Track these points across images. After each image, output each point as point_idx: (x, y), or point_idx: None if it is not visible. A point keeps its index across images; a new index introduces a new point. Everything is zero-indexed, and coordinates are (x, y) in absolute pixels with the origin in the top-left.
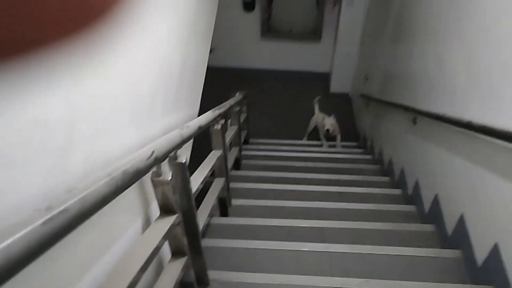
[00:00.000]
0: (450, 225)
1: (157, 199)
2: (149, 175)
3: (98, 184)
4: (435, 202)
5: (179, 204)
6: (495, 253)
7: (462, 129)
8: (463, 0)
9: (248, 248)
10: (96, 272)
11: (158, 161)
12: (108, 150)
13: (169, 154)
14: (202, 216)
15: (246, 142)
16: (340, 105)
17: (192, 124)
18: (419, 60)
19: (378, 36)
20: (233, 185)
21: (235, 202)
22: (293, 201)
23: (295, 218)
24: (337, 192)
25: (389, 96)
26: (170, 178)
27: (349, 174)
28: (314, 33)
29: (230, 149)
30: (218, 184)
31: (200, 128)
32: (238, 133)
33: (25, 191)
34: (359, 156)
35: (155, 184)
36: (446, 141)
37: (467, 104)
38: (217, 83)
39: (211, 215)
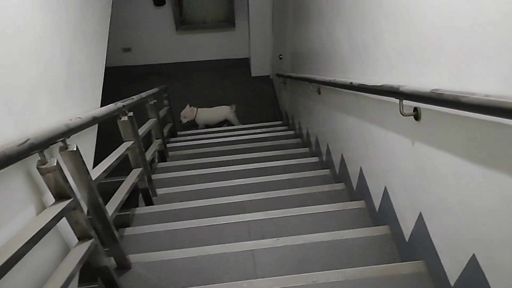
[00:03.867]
0: (354, 180)
1: (48, 186)
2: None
3: None
4: (342, 162)
5: (77, 190)
6: (386, 196)
7: (349, 91)
8: None
9: (169, 230)
10: None
11: (35, 148)
12: None
13: (52, 142)
14: (113, 204)
15: (173, 135)
16: (263, 87)
17: (84, 115)
18: (317, 37)
19: (284, 17)
20: (159, 176)
21: (161, 191)
22: (217, 182)
23: (219, 197)
24: (259, 168)
25: (298, 71)
26: (55, 164)
27: (272, 150)
28: (227, 21)
29: (152, 142)
30: (133, 174)
31: (95, 119)
32: (158, 126)
33: None
34: (283, 133)
35: (42, 172)
36: (342, 105)
37: (352, 69)
38: (140, 81)
39: (135, 205)
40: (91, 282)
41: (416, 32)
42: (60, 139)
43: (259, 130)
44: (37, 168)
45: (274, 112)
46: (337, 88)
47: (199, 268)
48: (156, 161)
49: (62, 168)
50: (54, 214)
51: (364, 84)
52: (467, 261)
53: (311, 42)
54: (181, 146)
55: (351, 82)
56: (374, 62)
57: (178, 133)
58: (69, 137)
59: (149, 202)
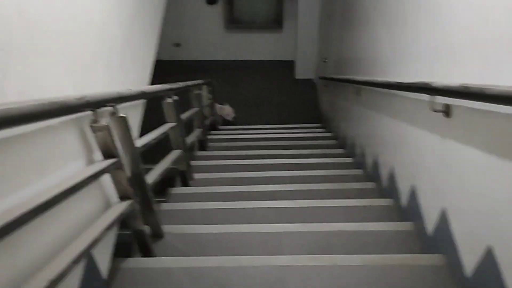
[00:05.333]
0: (385, 180)
1: (98, 144)
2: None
3: (25, 103)
4: (375, 163)
5: (122, 153)
6: (412, 195)
7: (385, 90)
8: None
9: (203, 209)
10: (28, 190)
11: (90, 105)
12: (41, 94)
13: (105, 104)
14: (153, 175)
15: (214, 128)
16: (306, 90)
17: (135, 88)
18: (361, 41)
19: (331, 22)
20: (197, 162)
21: (198, 176)
22: (252, 172)
23: (252, 185)
24: (293, 164)
25: (341, 75)
26: (105, 124)
27: (308, 149)
28: (276, 23)
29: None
30: (174, 154)
31: (144, 93)
32: (200, 115)
33: None
34: (320, 134)
35: (94, 130)
36: (379, 105)
37: (392, 70)
38: (187, 75)
39: (171, 185)
40: None
41: (449, 30)
42: (111, 104)
43: (297, 130)
44: (90, 126)
45: (315, 115)
46: (376, 89)
47: (228, 243)
48: (196, 149)
49: (111, 130)
50: (101, 168)
51: (400, 82)
52: (481, 252)
53: (355, 46)
54: (221, 138)
55: (388, 81)
56: (412, 62)
57: (220, 127)
58: (119, 104)
59: (186, 185)
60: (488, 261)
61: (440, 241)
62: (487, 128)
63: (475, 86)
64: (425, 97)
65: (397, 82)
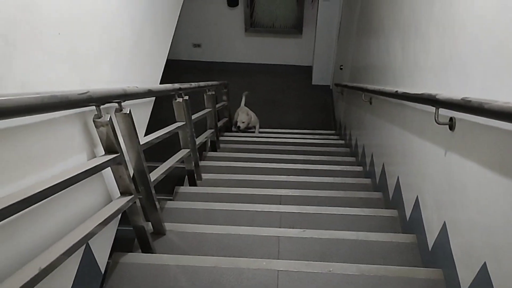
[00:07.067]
0: (391, 190)
1: (100, 139)
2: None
3: (24, 95)
4: (383, 172)
5: (126, 149)
6: (416, 206)
7: (394, 100)
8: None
9: (207, 209)
10: (27, 181)
11: (93, 100)
12: (43, 89)
13: (109, 100)
14: (157, 172)
15: (228, 130)
16: (322, 97)
17: (141, 86)
18: (376, 50)
19: (349, 30)
20: (207, 163)
21: (206, 176)
22: (260, 175)
23: (259, 188)
24: (302, 169)
25: (355, 82)
26: (108, 120)
27: (319, 155)
28: (295, 28)
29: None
30: (181, 153)
31: (150, 91)
32: (213, 116)
33: None
34: (333, 141)
35: (96, 125)
36: (389, 114)
37: (402, 80)
38: (205, 77)
39: (178, 184)
40: None
41: (458, 43)
42: (116, 100)
43: (311, 136)
44: (93, 121)
45: (329, 121)
46: (386, 98)
47: (227, 244)
48: (207, 150)
49: (115, 127)
50: (100, 162)
51: (407, 93)
52: (477, 269)
53: (369, 54)
54: (233, 140)
55: (397, 91)
56: (422, 73)
57: (233, 128)
58: (124, 101)
59: (193, 184)
60: (483, 278)
61: (439, 255)
62: (488, 143)
63: (475, 100)
64: (431, 109)
65: (404, 93)
